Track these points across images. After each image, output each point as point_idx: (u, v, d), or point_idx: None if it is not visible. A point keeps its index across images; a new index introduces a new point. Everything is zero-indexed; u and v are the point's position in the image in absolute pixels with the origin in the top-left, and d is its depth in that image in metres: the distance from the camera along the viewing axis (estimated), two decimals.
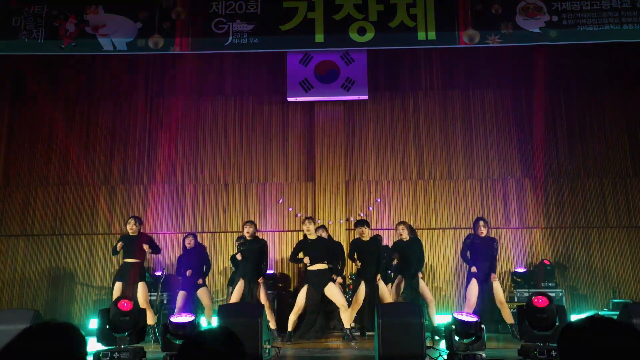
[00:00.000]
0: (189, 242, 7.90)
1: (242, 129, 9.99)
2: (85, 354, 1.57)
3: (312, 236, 7.08)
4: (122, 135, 10.01)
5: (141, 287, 7.01)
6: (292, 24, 7.34)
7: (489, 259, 7.08)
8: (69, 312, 9.24)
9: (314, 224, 7.25)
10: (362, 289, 6.96)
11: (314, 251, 6.95)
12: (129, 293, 6.73)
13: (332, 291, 6.85)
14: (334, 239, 8.91)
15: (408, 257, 7.52)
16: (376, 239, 7.75)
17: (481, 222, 7.17)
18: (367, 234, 7.23)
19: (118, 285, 6.96)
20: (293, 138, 9.90)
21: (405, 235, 7.65)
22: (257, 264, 7.32)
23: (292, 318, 6.91)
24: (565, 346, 1.52)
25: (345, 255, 7.63)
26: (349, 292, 7.75)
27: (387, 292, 7.07)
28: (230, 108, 10.08)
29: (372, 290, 6.98)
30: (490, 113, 9.88)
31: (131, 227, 7.27)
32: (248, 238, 7.45)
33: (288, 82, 9.67)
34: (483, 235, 7.11)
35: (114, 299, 6.23)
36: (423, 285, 7.55)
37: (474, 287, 7.00)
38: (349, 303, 7.06)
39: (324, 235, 7.65)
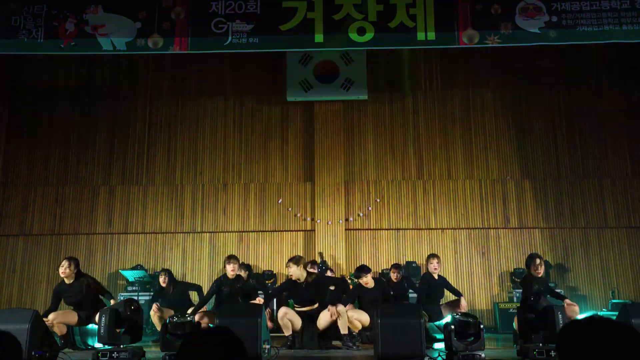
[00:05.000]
0: (163, 280, 7.31)
1: (242, 129, 9.99)
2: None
3: (301, 278, 6.08)
4: (122, 136, 10.01)
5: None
6: (291, 24, 7.33)
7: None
8: None
9: (299, 264, 6.12)
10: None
11: (302, 293, 6.12)
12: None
13: (324, 318, 5.95)
14: (333, 239, 8.93)
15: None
16: (381, 282, 6.97)
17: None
18: (370, 282, 6.56)
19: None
20: (292, 138, 9.90)
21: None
22: None
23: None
24: (564, 346, 1.52)
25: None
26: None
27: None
28: (230, 108, 10.08)
29: None
30: (490, 113, 9.88)
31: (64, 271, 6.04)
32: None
33: (287, 82, 9.68)
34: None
35: None
36: None
37: None
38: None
39: (314, 269, 6.95)
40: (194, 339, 1.58)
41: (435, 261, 6.90)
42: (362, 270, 6.63)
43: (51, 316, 5.82)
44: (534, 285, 5.58)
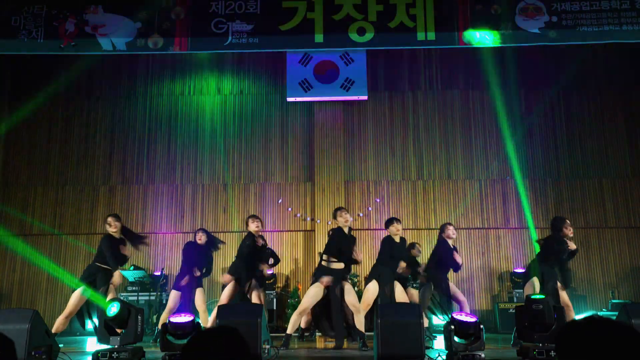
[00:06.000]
0: (200, 238, 7.19)
1: (242, 129, 9.99)
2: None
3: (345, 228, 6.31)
4: (122, 136, 10.00)
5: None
6: (291, 24, 7.35)
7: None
8: None
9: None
10: (375, 288, 6.28)
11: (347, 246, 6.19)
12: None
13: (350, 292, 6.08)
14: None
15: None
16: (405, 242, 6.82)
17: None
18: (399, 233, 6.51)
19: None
20: (292, 138, 9.90)
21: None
22: None
23: (295, 318, 6.24)
24: (563, 346, 1.52)
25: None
26: (358, 291, 7.59)
27: (403, 296, 6.29)
28: (230, 108, 10.08)
29: (385, 292, 6.19)
30: (490, 113, 9.88)
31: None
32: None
33: (287, 82, 9.66)
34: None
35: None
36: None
37: None
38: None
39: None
40: (198, 338, 1.58)
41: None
42: (394, 219, 6.55)
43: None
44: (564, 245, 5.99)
